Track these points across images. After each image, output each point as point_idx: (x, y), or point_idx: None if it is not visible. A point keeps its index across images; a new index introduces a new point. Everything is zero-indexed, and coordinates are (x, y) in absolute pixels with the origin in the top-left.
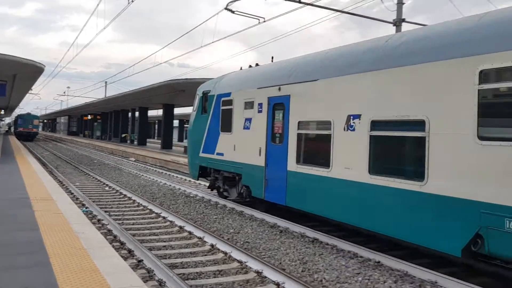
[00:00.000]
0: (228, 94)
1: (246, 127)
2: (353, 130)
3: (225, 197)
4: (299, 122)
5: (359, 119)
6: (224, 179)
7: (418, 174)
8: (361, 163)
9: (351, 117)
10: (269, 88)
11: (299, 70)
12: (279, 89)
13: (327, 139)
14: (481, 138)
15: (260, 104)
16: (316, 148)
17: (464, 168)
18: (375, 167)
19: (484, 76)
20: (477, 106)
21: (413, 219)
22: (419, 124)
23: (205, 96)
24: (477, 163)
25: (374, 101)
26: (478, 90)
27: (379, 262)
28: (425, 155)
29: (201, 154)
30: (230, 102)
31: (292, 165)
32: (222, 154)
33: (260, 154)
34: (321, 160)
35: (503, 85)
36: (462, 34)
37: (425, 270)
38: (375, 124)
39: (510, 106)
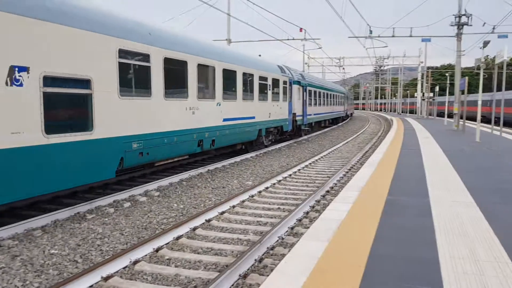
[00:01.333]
0: None
1: None
2: (20, 85)
3: None
4: None
5: (27, 73)
6: None
7: (88, 125)
8: (32, 124)
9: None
10: None
11: None
12: None
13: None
14: (122, 95)
15: None
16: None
17: (114, 116)
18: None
19: (122, 54)
20: (118, 71)
21: (89, 164)
22: (86, 83)
23: None
24: (120, 112)
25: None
26: (119, 62)
27: None
28: (93, 108)
29: None
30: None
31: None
32: None
33: None
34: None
35: (130, 62)
36: (105, 18)
37: None
38: (48, 80)
39: (140, 76)
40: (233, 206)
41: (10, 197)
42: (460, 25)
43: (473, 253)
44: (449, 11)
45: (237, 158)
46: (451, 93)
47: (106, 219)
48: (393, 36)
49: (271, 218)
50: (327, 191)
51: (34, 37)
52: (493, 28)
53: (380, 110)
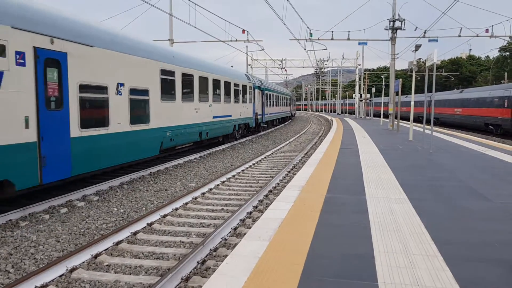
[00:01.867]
0: None
1: None
2: (121, 94)
3: None
4: (82, 84)
5: (124, 87)
6: None
7: (147, 119)
8: (125, 118)
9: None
10: (37, 35)
11: (75, 28)
12: (52, 41)
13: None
14: (162, 100)
15: (21, 54)
16: (96, 111)
17: (158, 113)
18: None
19: (165, 74)
20: (160, 84)
21: (147, 144)
22: (148, 91)
23: None
24: (161, 111)
25: (132, 78)
26: (160, 78)
27: None
28: (149, 108)
29: None
30: None
31: (74, 131)
32: None
33: (27, 127)
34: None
35: (166, 77)
36: (161, 49)
37: None
38: (132, 91)
39: (170, 86)
40: (176, 209)
41: (116, 162)
42: (394, 29)
43: (405, 247)
44: (384, 16)
45: (181, 160)
46: (387, 94)
47: (41, 226)
48: (332, 39)
49: (215, 219)
50: (270, 191)
51: (125, 64)
52: (424, 32)
53: (321, 111)
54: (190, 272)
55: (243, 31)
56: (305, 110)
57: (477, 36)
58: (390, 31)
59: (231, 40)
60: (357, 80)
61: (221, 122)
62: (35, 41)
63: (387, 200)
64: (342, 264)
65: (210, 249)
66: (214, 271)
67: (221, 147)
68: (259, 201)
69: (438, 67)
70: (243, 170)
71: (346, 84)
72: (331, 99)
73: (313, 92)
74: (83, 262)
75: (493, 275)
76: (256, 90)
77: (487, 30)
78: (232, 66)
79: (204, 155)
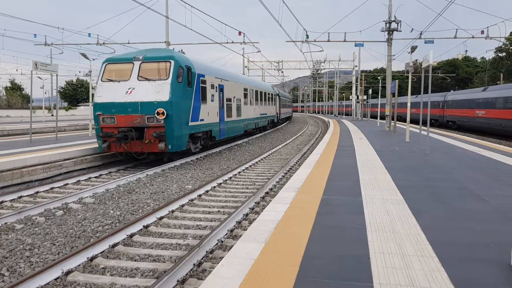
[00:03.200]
0: (203, 75)
1: (212, 100)
2: (235, 102)
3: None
4: (226, 98)
5: (236, 98)
6: (197, 138)
7: (240, 114)
8: (235, 113)
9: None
10: (218, 79)
11: (225, 74)
12: (221, 81)
13: (233, 105)
14: (243, 104)
15: (216, 87)
16: (231, 109)
17: (243, 111)
18: (236, 115)
19: (245, 90)
20: (243, 95)
21: (240, 128)
22: (241, 100)
23: (189, 71)
24: (244, 110)
25: (237, 93)
26: (243, 92)
27: None
28: (241, 109)
29: (190, 123)
30: (204, 82)
31: (225, 118)
32: (203, 120)
33: (217, 115)
34: (232, 114)
35: (244, 92)
36: (243, 78)
37: None
38: (235, 99)
39: (247, 96)
40: (172, 211)
41: (232, 134)
42: (390, 31)
43: (401, 248)
44: (380, 17)
45: (177, 162)
46: (383, 96)
47: (37, 229)
48: (328, 41)
49: (211, 221)
50: (267, 193)
51: (234, 87)
52: (420, 34)
53: (318, 113)
54: (186, 274)
55: (240, 33)
56: (302, 111)
57: (473, 37)
58: (386, 32)
59: (227, 42)
60: (353, 81)
61: (263, 117)
62: (218, 81)
63: (383, 201)
64: (338, 265)
65: (206, 251)
66: (210, 273)
67: (217, 149)
68: (255, 203)
69: (435, 68)
70: (239, 172)
71: (343, 85)
72: (328, 101)
73: (310, 93)
74: (79, 265)
75: (489, 276)
76: (276, 97)
77: (482, 32)
78: (264, 81)
79: (201, 157)
